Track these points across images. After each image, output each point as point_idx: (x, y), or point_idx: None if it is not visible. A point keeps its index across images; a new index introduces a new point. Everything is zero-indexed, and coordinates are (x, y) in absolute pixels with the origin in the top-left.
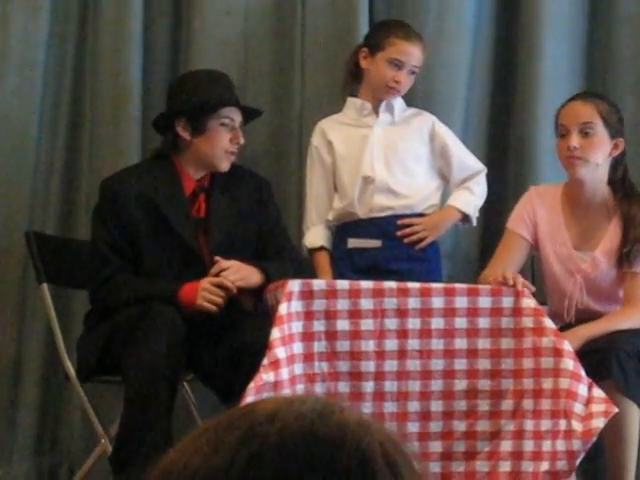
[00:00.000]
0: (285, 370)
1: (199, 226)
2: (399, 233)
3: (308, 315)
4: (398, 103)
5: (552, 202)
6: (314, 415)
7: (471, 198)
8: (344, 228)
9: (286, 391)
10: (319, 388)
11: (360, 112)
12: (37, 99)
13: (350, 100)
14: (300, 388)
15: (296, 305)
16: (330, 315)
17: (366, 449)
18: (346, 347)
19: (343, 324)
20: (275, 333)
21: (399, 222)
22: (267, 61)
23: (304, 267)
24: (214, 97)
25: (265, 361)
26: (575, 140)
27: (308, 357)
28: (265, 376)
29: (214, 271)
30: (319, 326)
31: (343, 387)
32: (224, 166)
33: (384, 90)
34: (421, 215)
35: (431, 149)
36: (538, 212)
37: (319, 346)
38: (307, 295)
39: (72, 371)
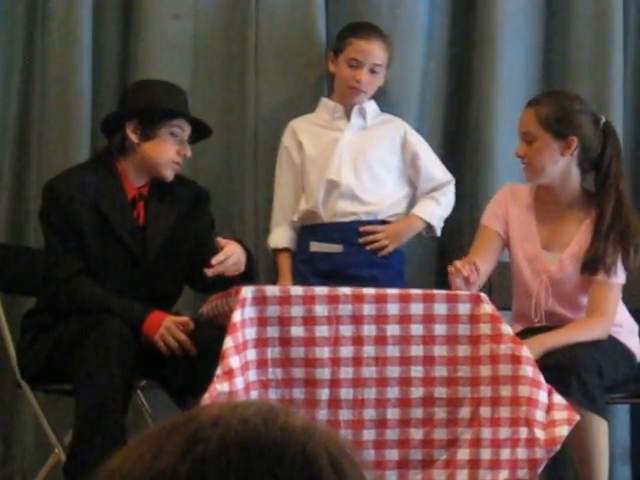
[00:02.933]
0: (240, 379)
1: (139, 233)
2: (361, 240)
3: (261, 321)
4: (371, 108)
5: (525, 201)
6: (258, 419)
7: (436, 209)
8: (308, 231)
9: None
10: (273, 394)
11: (332, 114)
12: None
13: (323, 101)
14: (254, 394)
15: (249, 311)
16: (284, 321)
17: (311, 453)
18: (301, 354)
19: (297, 330)
20: (228, 342)
21: (361, 229)
22: (218, 65)
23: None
24: (169, 105)
25: (219, 371)
26: (520, 148)
27: (262, 363)
28: (219, 386)
29: (220, 258)
30: (273, 332)
31: (298, 394)
32: (168, 175)
33: (347, 91)
34: (384, 222)
35: (402, 157)
36: (510, 210)
37: (273, 352)
38: (260, 301)
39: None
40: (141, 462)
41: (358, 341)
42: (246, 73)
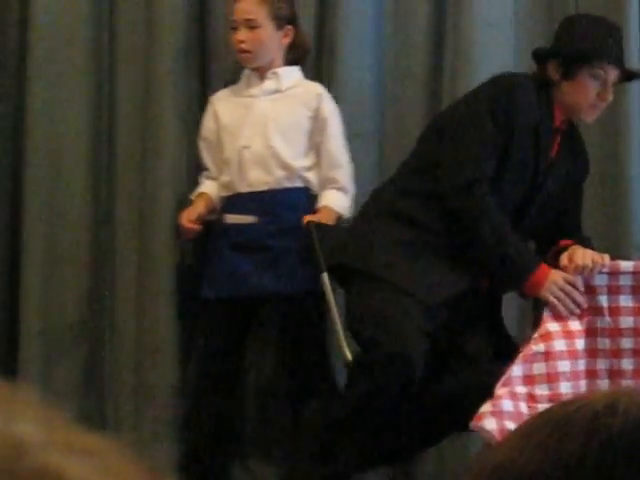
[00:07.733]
0: (561, 342)
1: (547, 165)
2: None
3: (589, 290)
4: (287, 72)
5: None
6: None
7: (344, 199)
8: (223, 202)
9: (564, 362)
10: (601, 365)
11: (247, 82)
12: None
13: (244, 71)
14: (581, 363)
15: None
16: (612, 290)
17: None
18: (630, 323)
19: (626, 300)
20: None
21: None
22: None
23: None
24: (591, 47)
25: (535, 334)
26: None
27: (590, 332)
28: (535, 347)
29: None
30: (601, 301)
31: (626, 364)
32: (587, 118)
33: (238, 56)
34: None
35: (314, 122)
36: None
37: (602, 322)
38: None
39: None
40: (540, 450)
41: None
42: None
